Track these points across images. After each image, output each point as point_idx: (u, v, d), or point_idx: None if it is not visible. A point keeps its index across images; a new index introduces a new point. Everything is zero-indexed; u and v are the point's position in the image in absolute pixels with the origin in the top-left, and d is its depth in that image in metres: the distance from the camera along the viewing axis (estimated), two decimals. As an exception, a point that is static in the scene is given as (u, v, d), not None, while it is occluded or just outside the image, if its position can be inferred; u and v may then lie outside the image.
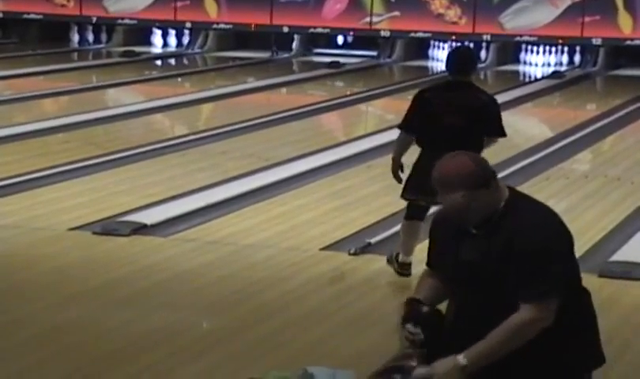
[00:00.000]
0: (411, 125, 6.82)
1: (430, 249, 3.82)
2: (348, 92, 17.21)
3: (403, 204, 8.31)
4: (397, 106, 18.50)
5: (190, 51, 21.87)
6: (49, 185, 9.46)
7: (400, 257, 6.95)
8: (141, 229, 7.99)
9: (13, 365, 5.40)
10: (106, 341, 5.81)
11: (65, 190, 9.35)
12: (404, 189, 6.90)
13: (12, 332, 5.88)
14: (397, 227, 8.10)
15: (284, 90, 17.25)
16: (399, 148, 6.90)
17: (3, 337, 5.77)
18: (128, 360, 5.55)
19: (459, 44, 7.45)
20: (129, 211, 8.48)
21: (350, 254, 7.49)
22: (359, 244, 7.65)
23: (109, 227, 7.98)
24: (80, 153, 10.84)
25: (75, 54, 21.67)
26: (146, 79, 18.44)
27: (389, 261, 7.07)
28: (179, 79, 19.24)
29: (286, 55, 21.28)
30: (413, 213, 6.90)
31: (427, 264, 3.83)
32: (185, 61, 21.22)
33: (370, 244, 7.71)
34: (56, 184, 9.53)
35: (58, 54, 20.50)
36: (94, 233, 7.90)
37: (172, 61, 21.33)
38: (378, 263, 7.36)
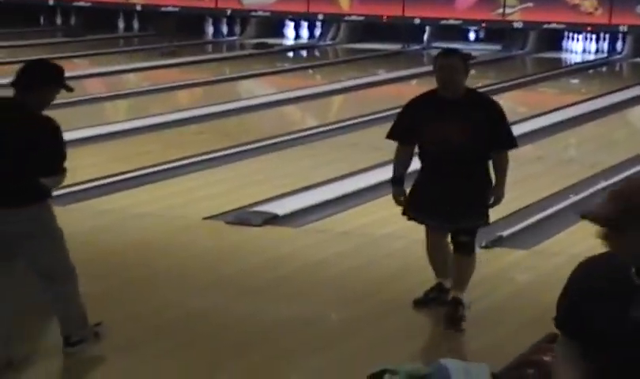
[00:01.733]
0: None
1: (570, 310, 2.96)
2: (479, 84, 17.07)
3: (532, 197, 8.24)
4: (529, 99, 18.32)
5: (321, 43, 22.01)
6: (184, 175, 9.66)
7: None
8: (272, 219, 8.10)
9: (146, 352, 5.53)
10: (235, 330, 5.90)
11: (199, 180, 9.53)
12: None
13: (145, 319, 6.02)
14: (528, 221, 8.03)
15: (414, 82, 17.22)
16: None
17: (137, 325, 5.92)
18: (257, 349, 5.64)
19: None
20: (261, 201, 8.59)
21: (481, 247, 7.45)
22: (490, 237, 7.60)
23: (242, 217, 8.11)
24: (214, 144, 11.03)
25: (209, 46, 22.04)
26: (278, 71, 18.63)
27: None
28: (311, 71, 19.38)
29: (417, 47, 21.22)
30: None
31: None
32: (316, 53, 21.36)
33: (501, 237, 7.66)
34: (190, 174, 9.73)
35: (193, 46, 20.88)
36: (227, 222, 8.03)
37: (304, 53, 21.50)
38: (510, 256, 7.30)
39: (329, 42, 22.03)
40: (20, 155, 5.00)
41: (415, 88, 17.10)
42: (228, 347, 5.65)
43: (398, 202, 6.14)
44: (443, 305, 6.09)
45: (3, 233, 5.06)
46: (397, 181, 6.12)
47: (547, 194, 8.98)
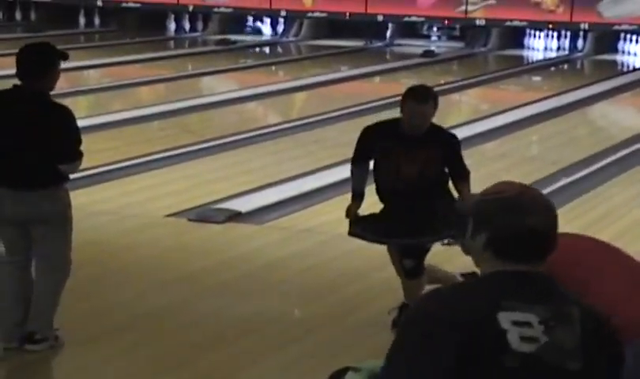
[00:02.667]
0: None
1: None
2: (442, 81, 17.13)
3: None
4: (491, 96, 18.40)
5: (284, 40, 21.97)
6: (145, 172, 9.60)
7: None
8: (235, 216, 8.07)
9: (105, 351, 5.49)
10: (198, 328, 5.87)
11: (161, 177, 9.48)
12: None
13: (105, 317, 5.98)
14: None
15: (377, 79, 17.23)
16: None
17: (97, 322, 5.87)
18: (219, 347, 5.61)
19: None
20: (224, 198, 8.56)
21: (443, 244, 7.44)
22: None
23: (204, 215, 8.07)
24: (176, 141, 10.98)
25: (171, 42, 21.94)
26: (241, 67, 18.58)
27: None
28: (273, 67, 19.34)
29: (380, 44, 21.24)
30: None
31: None
32: (279, 49, 21.32)
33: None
34: (152, 171, 9.67)
35: (155, 42, 20.77)
36: (189, 220, 7.99)
37: (267, 49, 21.45)
38: (472, 254, 7.30)
39: (291, 38, 22.00)
40: (42, 143, 5.19)
41: (378, 85, 17.13)
42: (191, 345, 5.62)
43: (349, 215, 6.00)
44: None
45: (23, 218, 5.22)
46: (359, 196, 6.00)
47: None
